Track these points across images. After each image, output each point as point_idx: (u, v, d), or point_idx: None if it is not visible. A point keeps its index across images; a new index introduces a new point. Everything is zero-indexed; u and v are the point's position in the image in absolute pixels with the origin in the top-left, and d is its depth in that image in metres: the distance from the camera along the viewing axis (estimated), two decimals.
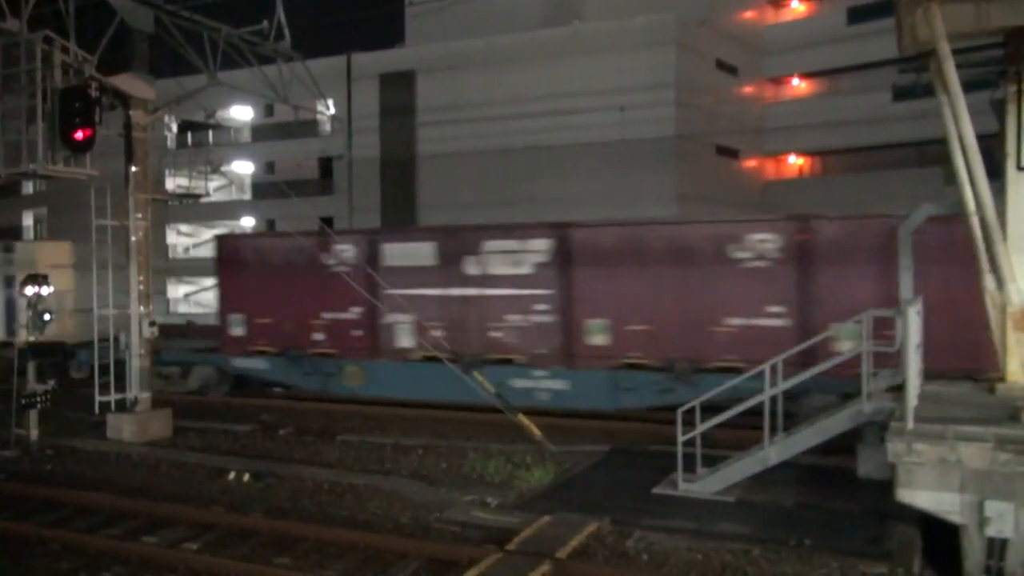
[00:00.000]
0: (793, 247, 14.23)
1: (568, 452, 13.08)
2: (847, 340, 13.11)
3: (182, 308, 46.11)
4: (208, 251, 50.23)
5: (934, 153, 29.97)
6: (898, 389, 9.36)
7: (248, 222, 47.73)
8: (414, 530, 9.60)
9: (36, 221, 52.48)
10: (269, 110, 44.45)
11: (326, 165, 44.90)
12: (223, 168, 47.16)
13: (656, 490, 10.65)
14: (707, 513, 9.70)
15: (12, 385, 14.19)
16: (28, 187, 50.15)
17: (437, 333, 16.49)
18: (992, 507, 7.43)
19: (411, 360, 16.91)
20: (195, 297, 48.57)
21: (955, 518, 7.68)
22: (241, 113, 46.72)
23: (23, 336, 15.99)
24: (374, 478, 11.69)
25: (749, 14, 43.49)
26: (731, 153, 40.75)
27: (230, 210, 47.72)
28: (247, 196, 49.40)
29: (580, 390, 15.54)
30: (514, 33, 38.28)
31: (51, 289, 14.60)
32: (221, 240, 20.45)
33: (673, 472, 10.77)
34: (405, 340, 17.09)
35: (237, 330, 18.86)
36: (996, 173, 9.66)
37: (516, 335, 16.21)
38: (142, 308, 14.83)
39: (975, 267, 9.87)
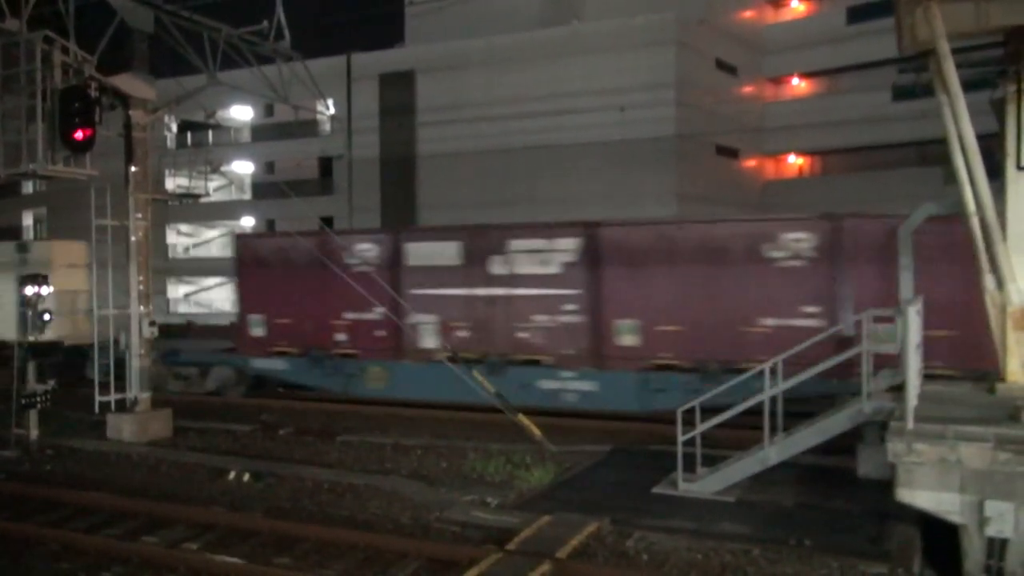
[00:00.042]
0: (829, 246, 13.91)
1: (568, 452, 13.08)
2: (886, 341, 12.90)
3: (182, 308, 46.11)
4: (207, 251, 50.46)
5: (934, 153, 30.00)
6: (898, 389, 9.36)
7: (248, 222, 47.72)
8: (414, 530, 9.60)
9: (36, 221, 52.45)
10: (269, 110, 44.44)
11: (326, 165, 44.89)
12: (223, 168, 47.15)
13: (656, 490, 10.65)
14: (707, 513, 9.70)
15: (15, 385, 14.19)
16: (28, 187, 50.13)
17: (462, 334, 16.35)
18: (992, 507, 7.43)
19: (435, 361, 16.60)
20: (195, 297, 48.60)
21: (955, 518, 7.68)
22: (241, 113, 46.70)
23: (40, 336, 15.98)
24: (374, 478, 11.69)
25: (749, 14, 43.48)
26: (731, 153, 40.75)
27: (230, 210, 47.71)
28: (247, 196, 49.38)
29: (609, 391, 15.32)
30: (514, 33, 38.28)
31: (51, 289, 14.61)
32: (240, 240, 20.13)
33: (673, 472, 10.77)
34: (429, 340, 16.87)
35: (256, 331, 18.66)
36: (996, 173, 9.66)
37: (543, 336, 16.01)
38: (142, 308, 14.83)
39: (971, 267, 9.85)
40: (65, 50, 12.49)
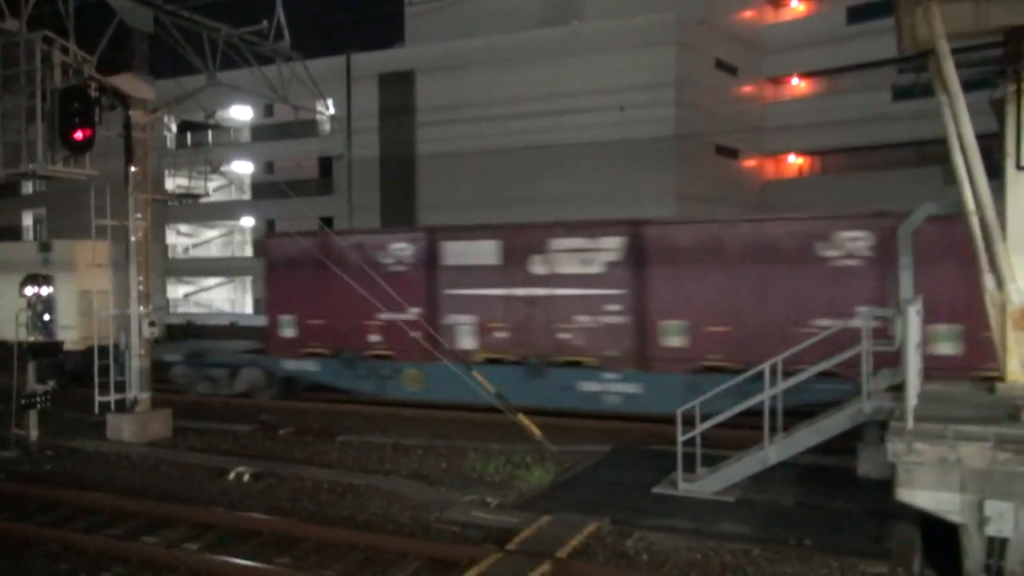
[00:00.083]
0: (886, 245, 13.40)
1: (568, 452, 13.08)
2: (943, 342, 12.76)
3: (181, 308, 46.10)
4: (207, 251, 50.47)
5: (934, 153, 30.00)
6: (898, 389, 9.37)
7: (248, 222, 47.73)
8: (414, 530, 9.60)
9: (36, 221, 52.44)
10: (269, 110, 44.43)
11: (326, 165, 44.88)
12: (223, 168, 47.15)
13: (656, 490, 10.65)
14: (707, 513, 9.70)
15: (20, 385, 14.20)
16: (28, 187, 50.12)
17: (500, 334, 16.14)
18: (992, 506, 7.44)
19: (473, 362, 16.27)
20: (194, 297, 48.60)
21: (955, 517, 7.68)
22: (241, 113, 46.69)
23: (67, 336, 15.95)
24: (374, 478, 11.70)
25: (749, 13, 43.48)
26: (731, 153, 40.75)
27: (230, 210, 47.73)
28: (247, 196, 49.38)
29: (654, 394, 14.93)
30: (514, 33, 38.27)
31: (51, 289, 14.59)
32: (269, 239, 19.74)
33: (673, 472, 10.77)
34: (467, 341, 16.62)
35: (287, 332, 18.35)
36: (995, 172, 9.66)
37: (585, 336, 15.70)
38: (142, 308, 14.83)
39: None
40: (65, 50, 12.49)
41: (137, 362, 14.82)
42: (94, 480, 12.18)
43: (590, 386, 15.41)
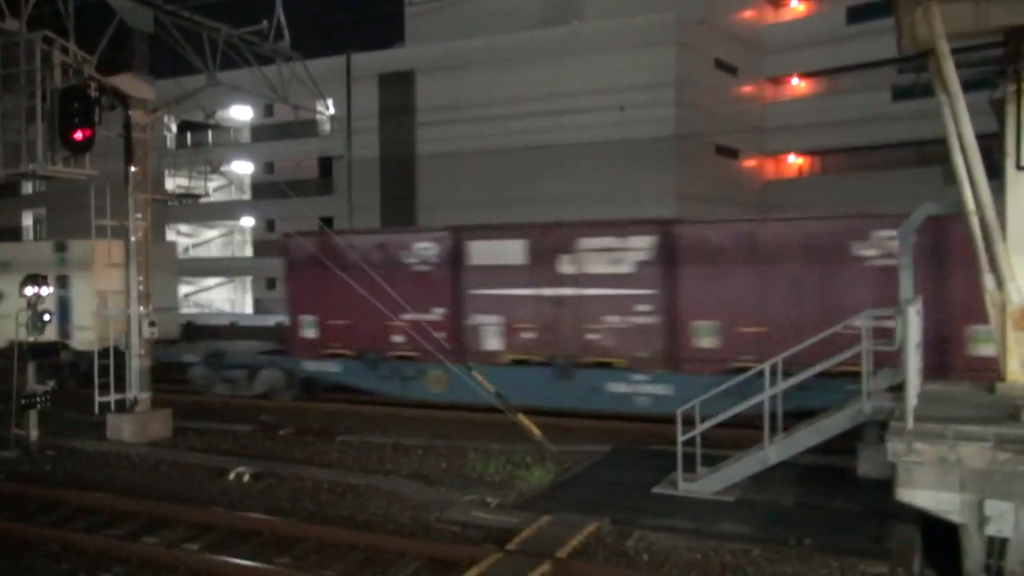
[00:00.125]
0: (926, 244, 13.09)
1: (568, 452, 13.08)
2: (986, 342, 12.51)
3: (183, 309, 46.07)
4: (207, 251, 50.47)
5: (933, 153, 30.01)
6: (898, 389, 9.36)
7: (248, 222, 47.77)
8: (414, 530, 9.60)
9: (36, 221, 52.48)
10: (269, 110, 44.47)
11: (326, 165, 44.93)
12: (223, 168, 47.20)
13: (656, 490, 10.65)
14: (707, 513, 9.70)
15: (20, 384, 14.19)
16: (28, 187, 50.14)
17: (527, 335, 15.93)
18: (992, 506, 7.44)
19: (500, 363, 16.18)
20: (194, 297, 48.59)
21: (955, 517, 7.68)
22: (241, 113, 46.73)
23: (78, 337, 15.83)
24: (374, 478, 11.69)
25: (748, 13, 43.51)
26: (731, 153, 40.77)
27: (230, 210, 47.77)
28: (247, 196, 49.42)
29: (686, 395, 14.25)
30: (514, 33, 38.30)
31: (51, 290, 14.57)
32: (290, 238, 19.19)
33: (673, 472, 10.77)
34: (493, 342, 16.41)
35: (308, 332, 18.07)
36: (995, 172, 9.66)
37: (615, 337, 15.43)
38: (142, 308, 14.83)
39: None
40: (65, 50, 12.48)
41: (137, 362, 14.80)
42: (94, 480, 12.17)
43: (619, 387, 15.13)
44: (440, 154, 39.27)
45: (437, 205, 38.54)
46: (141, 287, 14.87)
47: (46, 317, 14.32)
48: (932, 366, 11.99)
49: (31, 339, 14.22)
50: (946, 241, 13.39)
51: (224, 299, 49.63)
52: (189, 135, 44.64)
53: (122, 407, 14.80)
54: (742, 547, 8.50)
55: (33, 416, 14.09)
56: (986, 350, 12.65)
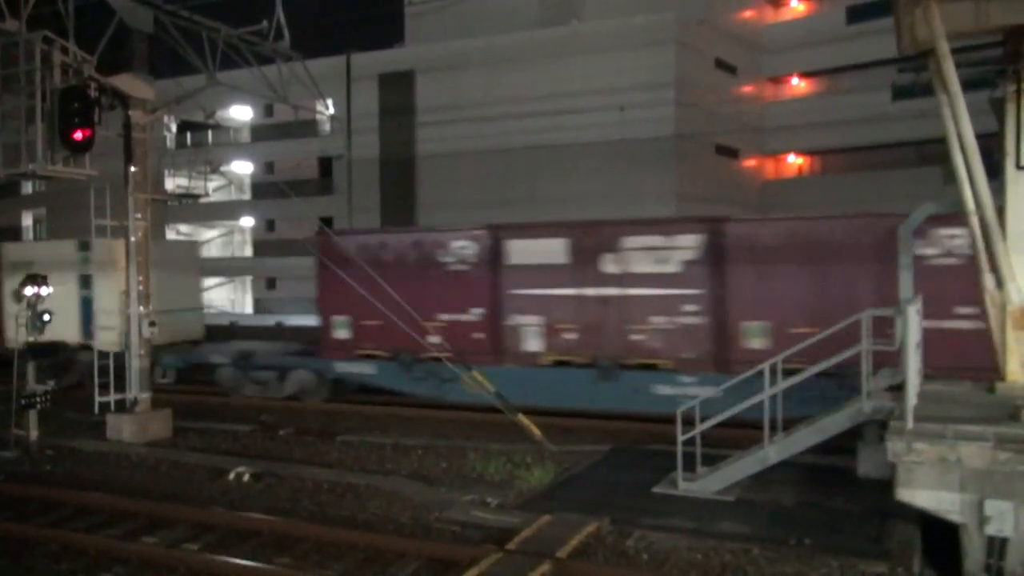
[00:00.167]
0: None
1: (568, 452, 13.09)
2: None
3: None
4: (207, 251, 50.39)
5: (933, 152, 30.00)
6: (898, 388, 9.36)
7: (248, 222, 47.76)
8: (414, 530, 9.60)
9: (36, 221, 52.47)
10: (269, 110, 44.46)
11: (326, 165, 44.92)
12: (222, 168, 47.18)
13: (656, 489, 10.65)
14: (707, 512, 9.70)
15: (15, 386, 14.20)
16: (27, 187, 50.14)
17: (569, 336, 15.68)
18: (992, 506, 7.44)
19: (540, 365, 15.94)
20: None
21: (955, 517, 7.68)
22: (240, 113, 46.72)
23: (102, 338, 15.71)
24: (374, 478, 11.70)
25: (748, 13, 43.50)
26: (731, 153, 40.76)
27: (229, 210, 47.75)
28: (247, 196, 49.41)
29: (734, 397, 14.11)
30: (514, 33, 38.29)
31: (51, 290, 14.57)
32: (322, 237, 18.79)
33: (673, 471, 10.77)
34: (533, 343, 16.06)
35: (341, 333, 17.73)
36: (995, 172, 9.66)
37: (660, 338, 15.12)
38: (142, 308, 14.83)
39: None
40: (65, 50, 12.48)
41: (137, 362, 14.80)
42: (94, 480, 12.18)
43: (665, 389, 14.75)
44: (440, 154, 39.26)
45: (437, 205, 38.53)
46: (141, 287, 14.87)
47: (46, 317, 14.31)
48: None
49: (31, 339, 14.22)
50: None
51: (224, 299, 49.61)
52: (189, 135, 44.62)
53: (122, 407, 14.80)
54: (742, 547, 8.51)
55: (33, 416, 14.09)
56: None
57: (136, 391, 14.77)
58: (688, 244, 14.96)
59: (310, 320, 35.99)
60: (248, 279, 48.82)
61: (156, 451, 13.74)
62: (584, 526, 9.03)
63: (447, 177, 39.00)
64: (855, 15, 40.09)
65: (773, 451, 10.17)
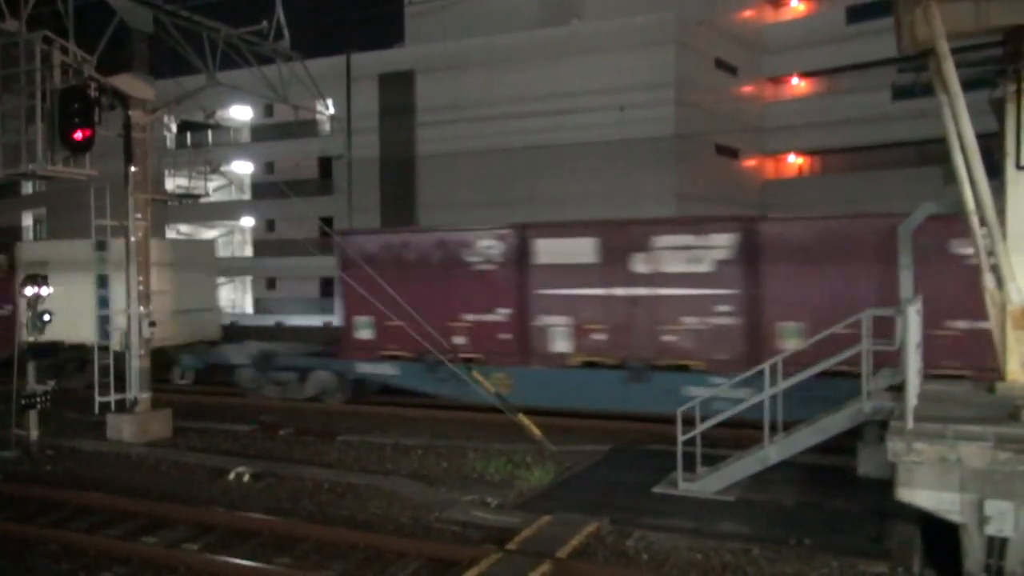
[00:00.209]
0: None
1: (568, 452, 13.08)
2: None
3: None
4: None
5: (933, 152, 30.01)
6: (898, 388, 9.36)
7: (248, 222, 47.78)
8: (414, 530, 9.60)
9: (36, 221, 52.49)
10: (269, 110, 44.49)
11: (325, 165, 44.95)
12: (222, 168, 47.20)
13: (656, 489, 10.65)
14: (707, 512, 9.70)
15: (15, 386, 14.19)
16: (27, 187, 50.15)
17: (598, 336, 15.48)
18: (992, 506, 7.44)
19: (568, 366, 15.73)
20: None
21: (955, 517, 7.68)
22: (240, 113, 46.73)
23: (117, 338, 15.63)
24: (374, 478, 11.69)
25: (748, 13, 43.53)
26: (731, 152, 40.78)
27: (229, 210, 47.77)
28: (246, 196, 49.43)
29: (770, 400, 13.86)
30: (513, 33, 38.30)
31: (51, 290, 14.56)
32: (344, 236, 18.60)
33: (673, 471, 10.77)
34: (561, 344, 15.83)
35: (363, 333, 17.46)
36: (995, 172, 9.67)
37: (693, 339, 14.87)
38: (142, 308, 14.83)
39: None
40: (64, 50, 12.47)
41: (137, 362, 14.80)
42: (94, 480, 12.17)
43: (697, 391, 14.14)
44: (440, 154, 39.27)
45: (437, 205, 38.55)
46: (141, 287, 14.86)
47: (46, 317, 14.30)
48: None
49: (31, 339, 14.21)
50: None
51: (224, 299, 49.61)
52: (189, 135, 44.64)
53: (122, 407, 14.80)
54: (742, 547, 8.50)
55: (33, 416, 14.08)
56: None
57: (136, 391, 14.77)
58: (722, 243, 14.74)
59: (310, 320, 36.08)
60: (248, 279, 48.84)
61: (156, 451, 13.74)
62: (584, 526, 9.02)
63: (447, 177, 39.02)
64: (855, 15, 40.12)
65: (773, 451, 10.17)
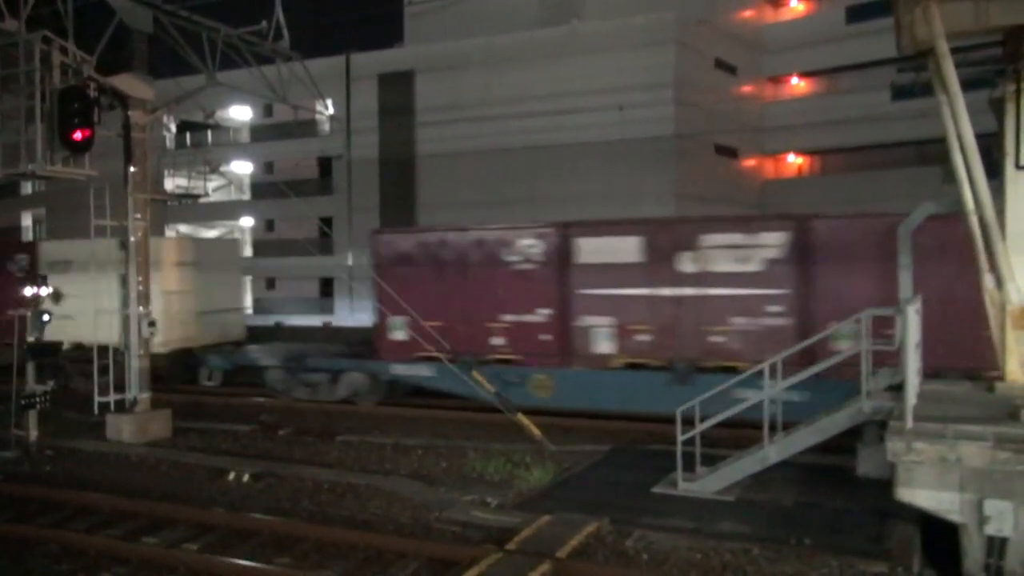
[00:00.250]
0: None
1: (568, 452, 13.09)
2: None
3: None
4: None
5: (933, 152, 30.00)
6: (898, 388, 9.36)
7: (247, 222, 47.74)
8: (414, 530, 9.60)
9: (35, 221, 52.44)
10: (268, 110, 44.44)
11: (325, 165, 44.90)
12: (222, 168, 47.09)
13: (656, 489, 10.65)
14: (707, 512, 9.70)
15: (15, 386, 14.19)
16: (27, 187, 50.11)
17: (642, 337, 15.21)
18: (991, 506, 7.44)
19: (611, 367, 15.45)
20: None
21: (954, 517, 7.69)
22: (240, 113, 46.69)
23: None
24: (374, 478, 11.70)
25: (748, 13, 43.50)
26: (730, 152, 40.77)
27: (229, 210, 47.72)
28: (246, 196, 49.39)
29: (822, 402, 12.75)
30: (513, 33, 38.29)
31: (51, 290, 14.57)
32: (379, 236, 18.26)
33: (673, 471, 10.77)
34: (604, 345, 15.54)
35: (398, 334, 17.04)
36: (995, 172, 9.67)
37: (741, 340, 14.55)
38: (141, 308, 14.83)
39: None
40: (64, 50, 12.47)
41: (137, 362, 14.80)
42: (94, 480, 12.17)
43: (746, 393, 14.49)
44: (440, 154, 39.25)
45: (437, 205, 38.54)
46: (141, 287, 14.86)
47: (45, 317, 14.30)
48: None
49: (31, 339, 14.21)
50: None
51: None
52: (188, 135, 44.62)
53: (122, 407, 14.80)
54: (742, 547, 8.51)
55: (33, 416, 14.09)
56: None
57: (136, 391, 14.76)
58: (772, 242, 14.46)
59: (310, 320, 36.06)
60: (248, 279, 48.82)
61: (156, 451, 13.74)
62: (584, 526, 9.03)
63: (447, 177, 39.00)
64: (855, 15, 40.10)
65: (773, 451, 10.18)
